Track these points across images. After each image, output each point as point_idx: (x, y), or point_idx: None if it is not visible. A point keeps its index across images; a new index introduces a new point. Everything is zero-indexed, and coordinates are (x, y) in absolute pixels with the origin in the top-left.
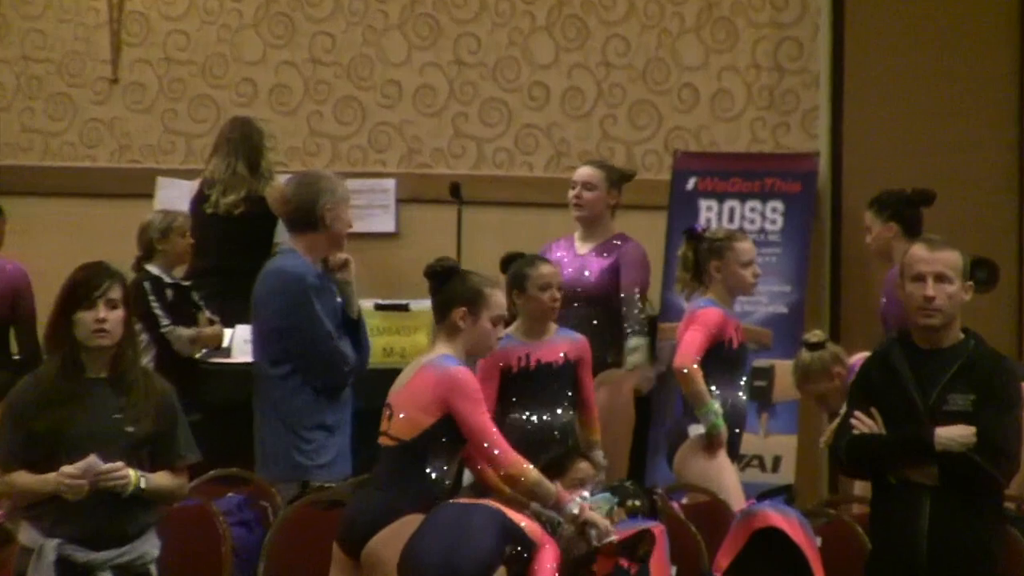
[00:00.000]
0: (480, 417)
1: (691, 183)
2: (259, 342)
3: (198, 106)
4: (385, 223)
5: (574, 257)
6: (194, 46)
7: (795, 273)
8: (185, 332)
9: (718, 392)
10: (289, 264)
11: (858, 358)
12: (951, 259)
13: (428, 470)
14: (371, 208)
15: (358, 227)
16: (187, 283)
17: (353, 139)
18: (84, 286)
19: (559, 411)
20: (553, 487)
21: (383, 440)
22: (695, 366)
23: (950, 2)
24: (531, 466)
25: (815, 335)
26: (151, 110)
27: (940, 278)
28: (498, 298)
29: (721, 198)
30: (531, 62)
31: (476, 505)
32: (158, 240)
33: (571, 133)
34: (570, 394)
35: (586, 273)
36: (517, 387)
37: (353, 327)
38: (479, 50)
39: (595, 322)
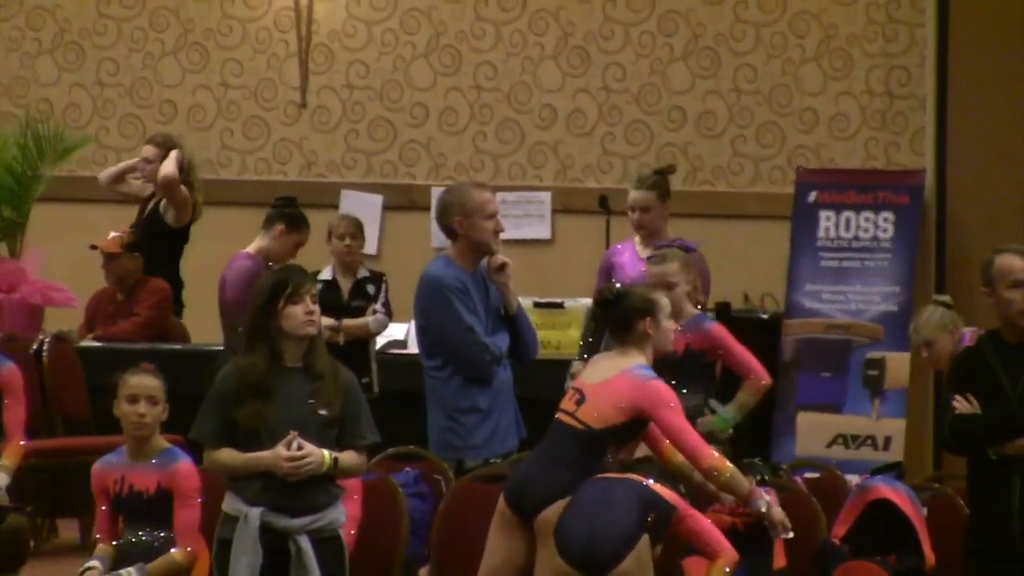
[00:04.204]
0: (680, 421)
1: (812, 196)
2: (417, 338)
3: (376, 127)
4: (541, 231)
5: (637, 261)
6: (373, 74)
7: (904, 276)
8: (324, 321)
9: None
10: (431, 268)
11: (969, 331)
12: None
13: (608, 456)
14: (529, 217)
15: (517, 234)
16: (361, 277)
17: (513, 157)
18: (292, 284)
19: None
20: (747, 482)
21: (565, 418)
22: None
23: None
24: (729, 463)
25: (945, 296)
26: (335, 131)
27: None
28: (664, 298)
29: (838, 209)
30: (669, 88)
31: (620, 480)
32: (327, 240)
33: (705, 151)
34: None
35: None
36: None
37: (511, 322)
38: (624, 78)
39: None
